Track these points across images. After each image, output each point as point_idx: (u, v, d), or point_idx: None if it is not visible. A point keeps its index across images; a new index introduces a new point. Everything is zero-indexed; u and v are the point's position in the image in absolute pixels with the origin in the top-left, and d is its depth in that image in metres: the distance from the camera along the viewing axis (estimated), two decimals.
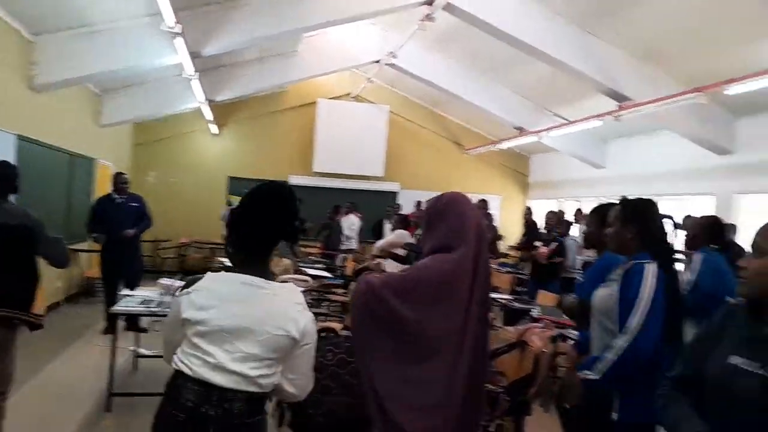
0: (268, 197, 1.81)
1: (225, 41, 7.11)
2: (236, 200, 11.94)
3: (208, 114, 11.35)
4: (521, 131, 11.50)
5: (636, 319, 2.18)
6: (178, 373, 1.74)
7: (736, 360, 1.46)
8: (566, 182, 12.68)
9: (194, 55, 6.96)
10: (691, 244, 3.46)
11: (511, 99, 11.08)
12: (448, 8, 7.21)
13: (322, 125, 13.04)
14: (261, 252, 1.83)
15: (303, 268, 6.57)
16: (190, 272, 3.88)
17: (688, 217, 4.82)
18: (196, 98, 9.75)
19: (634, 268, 2.32)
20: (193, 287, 1.76)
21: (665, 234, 2.49)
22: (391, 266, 6.02)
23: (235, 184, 12.54)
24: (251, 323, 1.71)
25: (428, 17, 7.43)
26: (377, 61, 10.51)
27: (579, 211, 9.03)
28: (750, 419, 1.40)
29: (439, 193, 2.08)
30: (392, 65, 10.33)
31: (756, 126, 8.07)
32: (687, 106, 7.51)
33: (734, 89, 6.48)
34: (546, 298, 5.67)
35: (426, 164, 13.85)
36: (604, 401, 2.28)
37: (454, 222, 1.92)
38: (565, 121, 10.36)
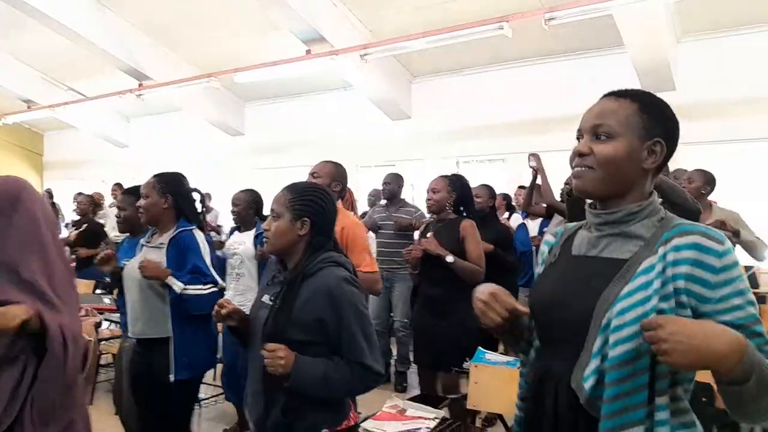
0: None
1: None
2: None
3: None
4: (30, 104, 10.21)
5: (213, 272, 2.49)
6: None
7: (264, 297, 1.78)
8: (89, 162, 11.91)
9: None
10: (242, 220, 3.78)
11: (15, 67, 9.67)
12: None
13: None
14: None
15: None
16: None
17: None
18: None
19: (182, 234, 2.50)
20: None
21: (194, 203, 2.70)
22: None
23: None
24: None
25: None
26: None
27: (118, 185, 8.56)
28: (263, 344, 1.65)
29: None
30: None
31: (261, 111, 9.40)
32: (203, 89, 8.14)
33: (241, 77, 7.34)
34: (81, 285, 5.33)
35: None
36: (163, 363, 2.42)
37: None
38: (83, 97, 9.73)
